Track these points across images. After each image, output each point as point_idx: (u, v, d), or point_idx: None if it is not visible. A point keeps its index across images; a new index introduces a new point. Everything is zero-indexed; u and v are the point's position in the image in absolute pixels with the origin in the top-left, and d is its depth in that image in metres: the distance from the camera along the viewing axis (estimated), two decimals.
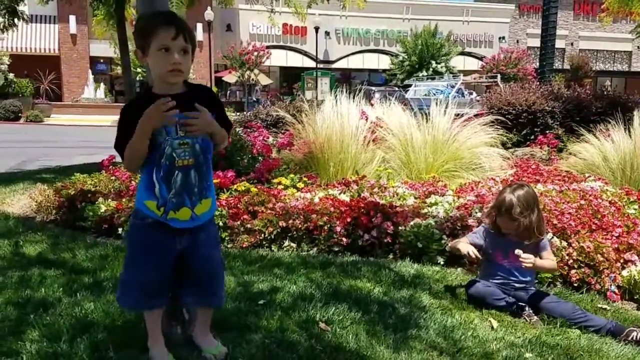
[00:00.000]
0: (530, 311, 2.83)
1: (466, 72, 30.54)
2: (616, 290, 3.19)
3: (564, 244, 3.43)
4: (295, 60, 33.92)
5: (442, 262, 3.56)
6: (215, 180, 4.07)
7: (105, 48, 25.06)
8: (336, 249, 3.74)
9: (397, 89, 24.07)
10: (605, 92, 9.62)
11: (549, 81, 11.08)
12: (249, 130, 6.72)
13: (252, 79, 28.23)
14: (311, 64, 32.13)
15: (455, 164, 5.54)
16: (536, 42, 19.27)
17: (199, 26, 27.97)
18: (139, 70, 23.02)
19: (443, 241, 3.60)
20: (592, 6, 36.87)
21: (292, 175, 4.94)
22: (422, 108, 7.34)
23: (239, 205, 4.07)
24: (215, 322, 2.33)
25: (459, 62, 33.31)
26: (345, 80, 33.85)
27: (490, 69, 30.37)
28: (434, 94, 18.17)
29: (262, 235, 3.86)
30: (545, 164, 6.50)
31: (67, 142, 15.05)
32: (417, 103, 12.70)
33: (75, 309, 2.60)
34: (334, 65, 34.40)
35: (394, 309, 2.75)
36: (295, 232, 3.85)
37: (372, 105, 7.77)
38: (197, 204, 2.04)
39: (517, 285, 2.95)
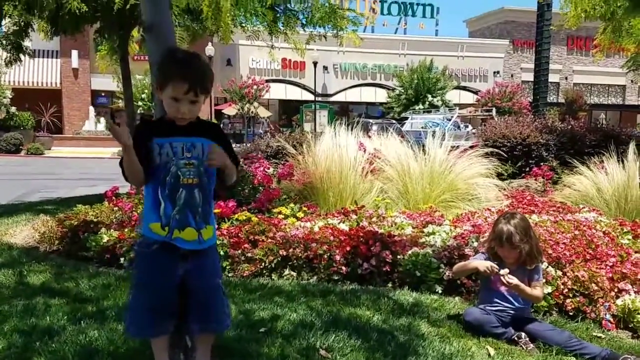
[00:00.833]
0: (527, 339, 2.89)
1: (462, 106, 31.00)
2: (611, 319, 3.24)
3: (559, 273, 3.50)
4: (294, 93, 34.33)
5: (440, 291, 3.61)
6: (216, 210, 4.15)
7: (106, 82, 25.51)
8: (336, 278, 3.79)
9: (394, 121, 24.34)
10: (599, 125, 9.79)
11: (543, 114, 11.26)
12: (248, 161, 6.82)
13: (252, 112, 28.55)
14: (310, 97, 32.55)
15: (451, 195, 5.62)
16: (530, 77, 19.62)
17: None
18: (140, 103, 23.31)
19: (441, 270, 3.67)
20: (585, 41, 37.62)
21: (292, 205, 5.00)
22: (419, 140, 7.46)
23: (240, 235, 4.14)
24: (217, 349, 2.37)
25: (454, 96, 33.71)
26: (343, 112, 34.25)
27: (486, 103, 30.76)
28: (431, 127, 18.39)
29: (263, 264, 3.92)
30: (540, 195, 6.58)
31: (67, 174, 15.16)
32: (414, 135, 12.88)
33: (80, 336, 2.65)
34: (332, 99, 34.81)
35: (393, 337, 2.80)
36: (295, 261, 3.91)
37: (369, 137, 7.89)
38: (203, 228, 2.13)
39: (512, 312, 3.01)
